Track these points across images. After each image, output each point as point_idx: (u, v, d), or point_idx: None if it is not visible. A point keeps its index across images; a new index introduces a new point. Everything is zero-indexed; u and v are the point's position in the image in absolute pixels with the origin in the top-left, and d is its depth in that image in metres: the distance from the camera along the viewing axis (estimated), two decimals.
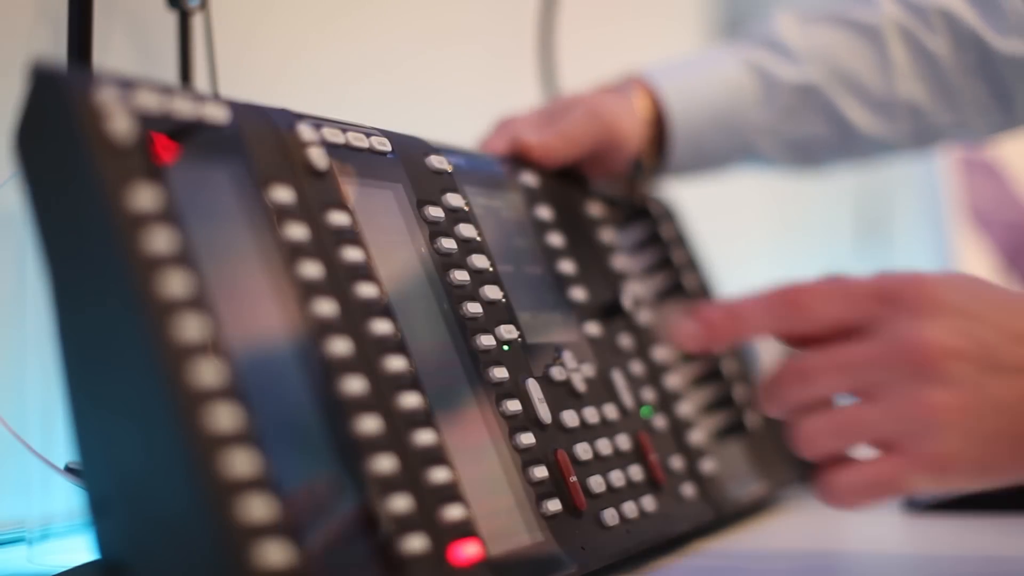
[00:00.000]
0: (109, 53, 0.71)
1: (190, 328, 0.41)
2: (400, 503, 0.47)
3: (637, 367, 0.71)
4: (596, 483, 0.61)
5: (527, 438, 0.57)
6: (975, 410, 0.51)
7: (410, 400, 0.50)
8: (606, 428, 0.64)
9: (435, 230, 0.59)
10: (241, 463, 0.40)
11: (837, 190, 2.21)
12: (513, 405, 0.58)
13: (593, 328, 0.69)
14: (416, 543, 0.46)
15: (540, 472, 0.57)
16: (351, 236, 0.52)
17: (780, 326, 0.54)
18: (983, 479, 0.52)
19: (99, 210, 0.42)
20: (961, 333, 0.51)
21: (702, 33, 1.63)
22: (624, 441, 0.65)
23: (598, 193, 0.79)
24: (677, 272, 0.82)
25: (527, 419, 0.58)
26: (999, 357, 0.51)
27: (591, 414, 0.63)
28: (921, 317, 0.51)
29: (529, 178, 0.71)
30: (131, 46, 0.75)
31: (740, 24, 1.73)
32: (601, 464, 0.62)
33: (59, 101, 0.43)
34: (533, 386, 0.60)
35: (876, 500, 0.53)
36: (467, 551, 0.49)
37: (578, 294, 0.69)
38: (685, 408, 0.74)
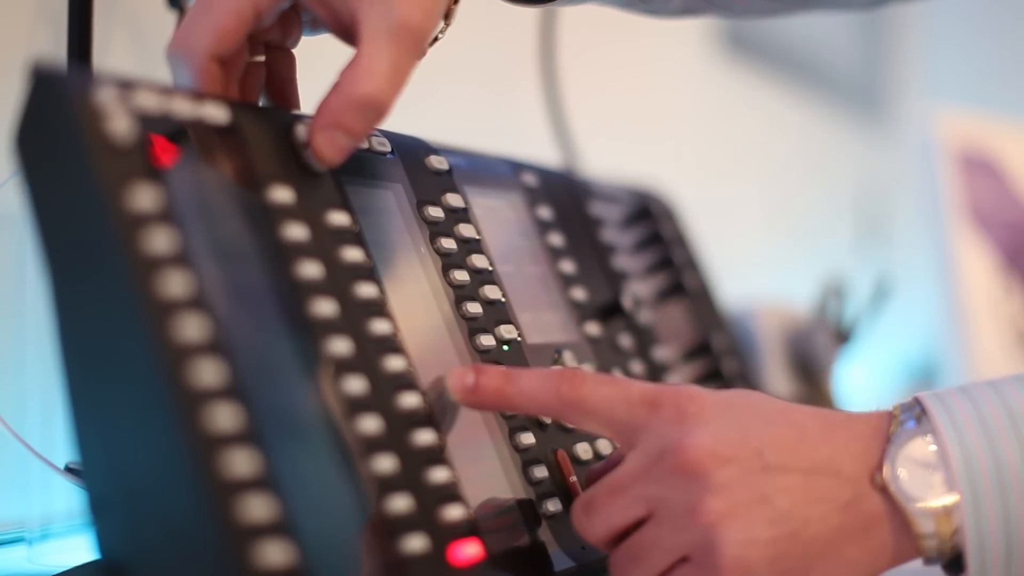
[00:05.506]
0: (109, 53, 0.71)
1: (190, 328, 0.41)
2: (400, 503, 0.47)
3: (637, 367, 0.71)
4: None
5: (527, 438, 0.57)
6: (750, 513, 0.50)
7: (410, 400, 0.50)
8: None
9: (435, 230, 0.59)
10: (241, 463, 0.40)
11: (837, 190, 2.21)
12: None
13: (593, 328, 0.69)
14: (416, 543, 0.46)
15: (540, 472, 0.57)
16: (351, 236, 0.52)
17: (555, 405, 0.53)
18: None
19: (99, 210, 0.42)
20: (727, 437, 0.50)
21: (703, 50, 1.63)
22: None
23: (599, 193, 0.79)
24: (678, 272, 0.82)
25: (527, 419, 0.58)
26: (766, 459, 0.50)
27: None
28: (686, 423, 0.51)
29: (529, 178, 0.71)
30: (131, 46, 0.75)
31: (742, 41, 1.73)
32: None
33: (59, 101, 0.43)
34: None
35: None
36: (467, 551, 0.49)
37: (578, 294, 0.69)
38: None
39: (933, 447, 0.51)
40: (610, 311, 0.71)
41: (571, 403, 0.53)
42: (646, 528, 0.51)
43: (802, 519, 0.50)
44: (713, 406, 0.52)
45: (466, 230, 0.61)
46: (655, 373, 0.73)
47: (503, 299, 0.61)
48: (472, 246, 0.61)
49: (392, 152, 0.59)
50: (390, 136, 0.59)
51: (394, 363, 0.50)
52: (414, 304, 0.56)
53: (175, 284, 0.42)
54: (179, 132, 0.47)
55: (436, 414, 0.52)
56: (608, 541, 0.53)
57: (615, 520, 0.52)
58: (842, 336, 1.11)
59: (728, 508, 0.50)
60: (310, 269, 0.48)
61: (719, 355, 0.81)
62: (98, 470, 0.44)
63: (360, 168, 0.56)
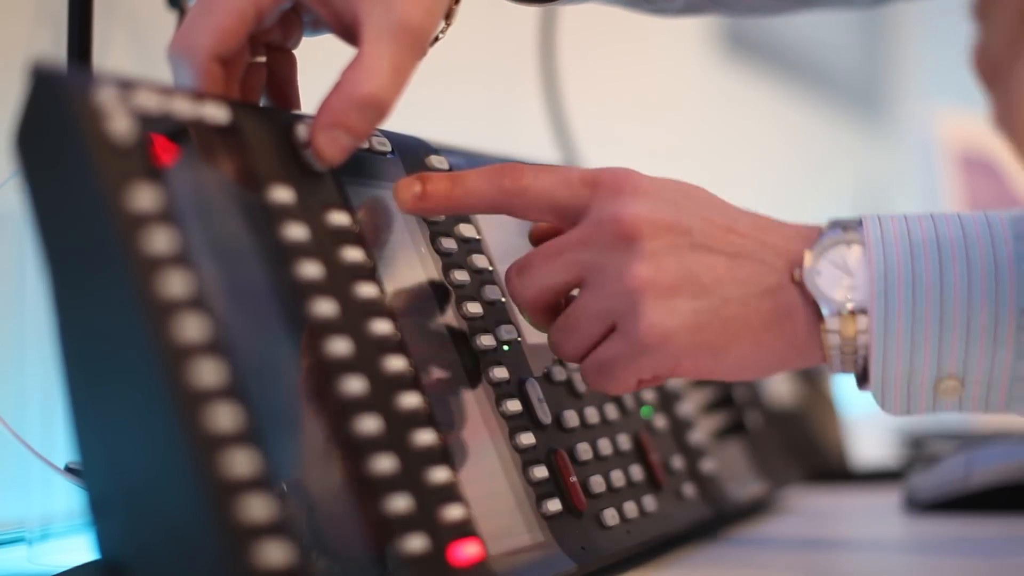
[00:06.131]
0: (109, 53, 0.71)
1: (190, 328, 0.41)
2: (400, 503, 0.47)
3: None
4: (596, 483, 0.61)
5: (527, 438, 0.57)
6: (675, 284, 0.53)
7: (410, 400, 0.50)
8: (606, 428, 0.64)
9: (435, 230, 0.59)
10: (241, 463, 0.40)
11: (837, 190, 2.21)
12: (513, 405, 0.58)
13: None
14: (416, 543, 0.46)
15: (540, 472, 0.57)
16: (351, 236, 0.52)
17: (500, 199, 0.55)
18: (710, 361, 0.54)
19: (99, 210, 0.42)
20: (661, 211, 0.53)
21: (704, 50, 1.63)
22: (625, 441, 0.65)
23: None
24: None
25: (527, 419, 0.58)
26: (697, 237, 0.54)
27: (591, 414, 0.63)
28: (623, 196, 0.54)
29: None
30: (131, 46, 0.75)
31: (742, 41, 1.73)
32: (601, 464, 0.62)
33: (59, 101, 0.43)
34: (533, 386, 0.60)
35: (621, 383, 0.55)
36: (467, 551, 0.49)
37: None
38: (685, 408, 0.74)
39: (856, 254, 0.54)
40: None
41: (514, 193, 0.55)
42: (578, 297, 0.55)
43: (723, 297, 0.53)
44: (650, 184, 0.55)
45: (466, 230, 0.61)
46: None
47: (503, 299, 0.61)
48: (472, 246, 0.61)
49: (392, 152, 0.59)
50: (390, 136, 0.59)
51: (394, 363, 0.50)
52: (414, 304, 0.56)
53: (175, 284, 0.42)
54: (179, 132, 0.47)
55: (436, 414, 0.52)
56: (537, 304, 0.56)
57: (546, 281, 0.55)
58: None
59: (654, 276, 0.53)
60: (310, 269, 0.48)
61: None
62: (98, 470, 0.44)
63: (360, 168, 0.56)
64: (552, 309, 0.57)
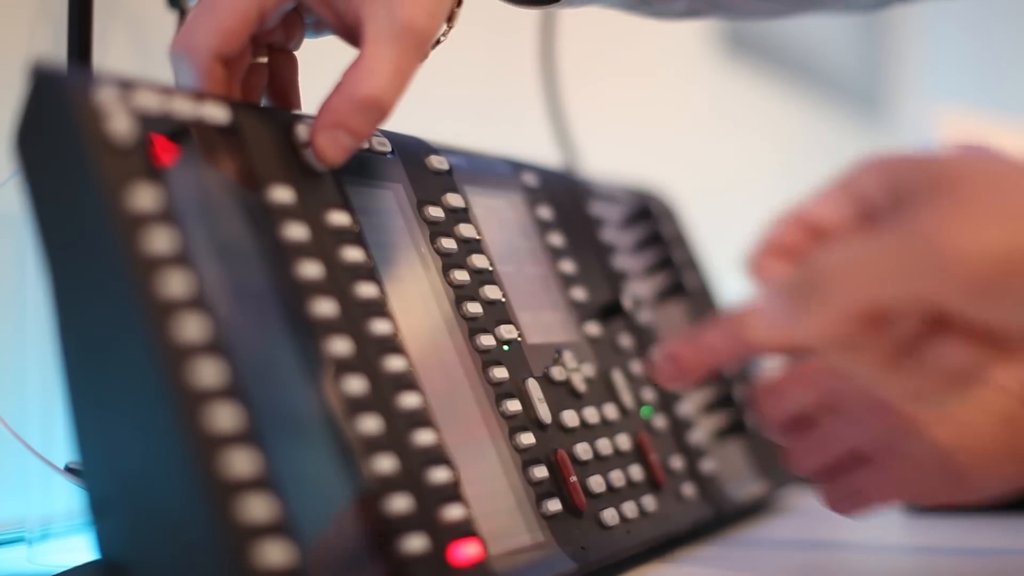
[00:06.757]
0: (109, 53, 0.71)
1: (190, 328, 0.41)
2: (400, 503, 0.47)
3: (637, 367, 0.71)
4: (596, 483, 0.61)
5: (527, 438, 0.57)
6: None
7: (410, 400, 0.50)
8: (606, 428, 0.64)
9: (435, 230, 0.59)
10: (241, 463, 0.40)
11: None
12: (513, 405, 0.58)
13: (593, 328, 0.69)
14: (416, 543, 0.46)
15: (540, 472, 0.57)
16: (351, 236, 0.52)
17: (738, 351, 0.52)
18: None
19: (99, 210, 0.42)
20: None
21: (704, 50, 1.63)
22: (624, 441, 0.65)
23: (599, 193, 0.79)
24: (678, 272, 0.82)
25: (527, 419, 0.58)
26: None
27: (591, 414, 0.63)
28: None
29: (529, 178, 0.71)
30: (131, 46, 0.75)
31: (742, 41, 1.73)
32: (601, 464, 0.62)
33: (59, 101, 0.43)
34: (533, 386, 0.60)
35: (869, 510, 0.57)
36: (467, 551, 0.49)
37: (578, 294, 0.69)
38: (685, 408, 0.74)
39: None
40: (610, 311, 0.71)
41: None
42: (831, 424, 0.56)
43: None
44: None
45: (466, 230, 0.61)
46: None
47: (503, 299, 0.61)
48: (472, 246, 0.61)
49: (392, 152, 0.59)
50: (390, 136, 0.59)
51: (394, 363, 0.50)
52: (414, 304, 0.56)
53: (175, 284, 0.42)
54: (180, 132, 0.47)
55: (436, 414, 0.52)
56: (788, 427, 0.57)
57: (795, 407, 0.56)
58: None
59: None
60: (310, 269, 0.48)
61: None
62: (98, 470, 0.44)
63: (360, 168, 0.56)
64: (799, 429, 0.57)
